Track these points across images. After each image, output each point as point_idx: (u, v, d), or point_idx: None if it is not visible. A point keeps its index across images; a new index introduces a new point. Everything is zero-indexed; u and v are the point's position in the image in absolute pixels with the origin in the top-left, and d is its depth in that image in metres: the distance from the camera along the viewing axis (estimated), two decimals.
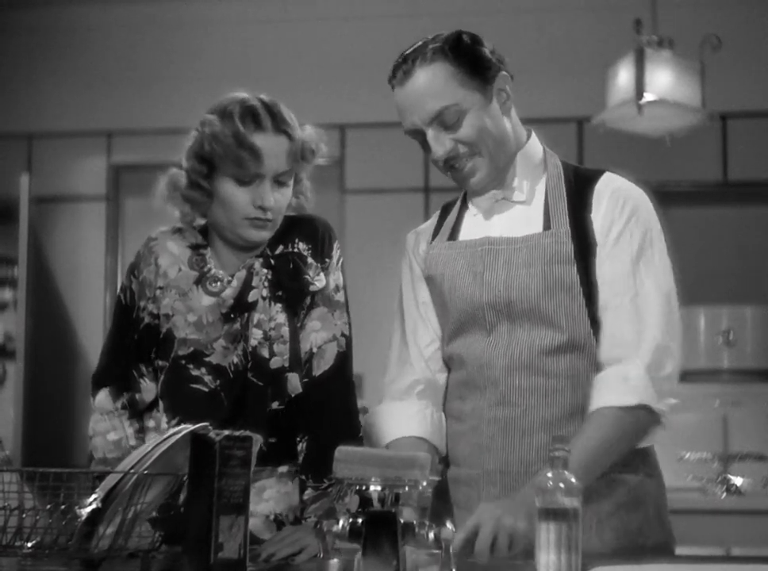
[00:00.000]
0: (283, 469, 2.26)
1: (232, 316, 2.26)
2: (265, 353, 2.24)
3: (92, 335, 5.41)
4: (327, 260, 2.32)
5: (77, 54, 5.62)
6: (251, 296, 2.26)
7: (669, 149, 4.57)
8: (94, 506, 1.74)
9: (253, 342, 2.24)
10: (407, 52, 2.17)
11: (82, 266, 5.59)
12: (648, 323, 2.09)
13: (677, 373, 2.10)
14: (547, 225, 2.16)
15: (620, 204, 2.16)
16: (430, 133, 2.15)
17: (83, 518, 1.74)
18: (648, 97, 4.24)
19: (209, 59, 5.50)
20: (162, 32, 5.59)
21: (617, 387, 2.04)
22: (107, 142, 5.64)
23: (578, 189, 2.19)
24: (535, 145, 2.26)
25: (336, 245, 2.34)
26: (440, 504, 2.21)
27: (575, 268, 2.12)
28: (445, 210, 2.35)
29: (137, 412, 2.31)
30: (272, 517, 2.24)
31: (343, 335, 2.31)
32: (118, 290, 2.42)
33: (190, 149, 2.27)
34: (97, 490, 1.77)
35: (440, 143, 2.15)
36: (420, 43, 2.17)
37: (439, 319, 2.28)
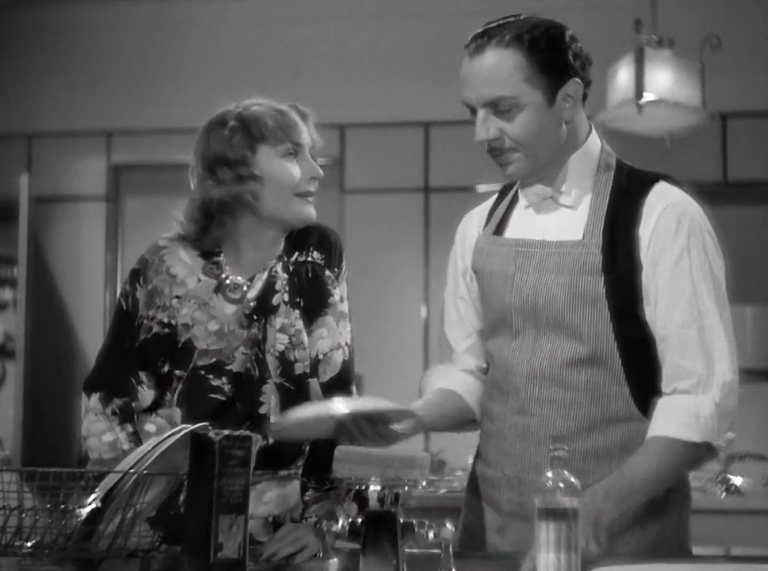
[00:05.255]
0: (284, 472, 2.27)
1: (254, 317, 2.26)
2: (291, 357, 2.25)
3: (92, 335, 5.41)
4: (336, 270, 2.34)
5: (77, 54, 5.63)
6: (275, 300, 2.27)
7: (669, 149, 4.57)
8: (93, 506, 1.74)
9: (280, 346, 2.25)
10: (491, 25, 2.10)
11: (82, 266, 5.59)
12: (717, 358, 2.08)
13: (736, 407, 2.12)
14: (584, 234, 2.12)
15: (673, 225, 2.10)
16: (480, 114, 2.09)
17: (83, 518, 1.74)
18: (648, 97, 4.24)
19: (209, 59, 5.51)
20: (162, 33, 5.59)
21: (688, 421, 2.03)
22: (107, 142, 5.64)
23: (629, 196, 2.13)
24: (593, 144, 2.19)
25: (344, 256, 2.37)
26: (474, 500, 2.22)
27: (602, 280, 2.07)
28: (502, 194, 2.30)
29: (129, 418, 2.30)
30: (270, 519, 2.24)
31: (346, 344, 2.32)
32: (118, 295, 2.40)
33: (224, 143, 2.25)
34: (96, 490, 1.77)
35: (485, 128, 2.09)
36: (509, 19, 2.11)
37: (481, 315, 2.27)
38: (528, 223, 2.19)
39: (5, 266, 5.56)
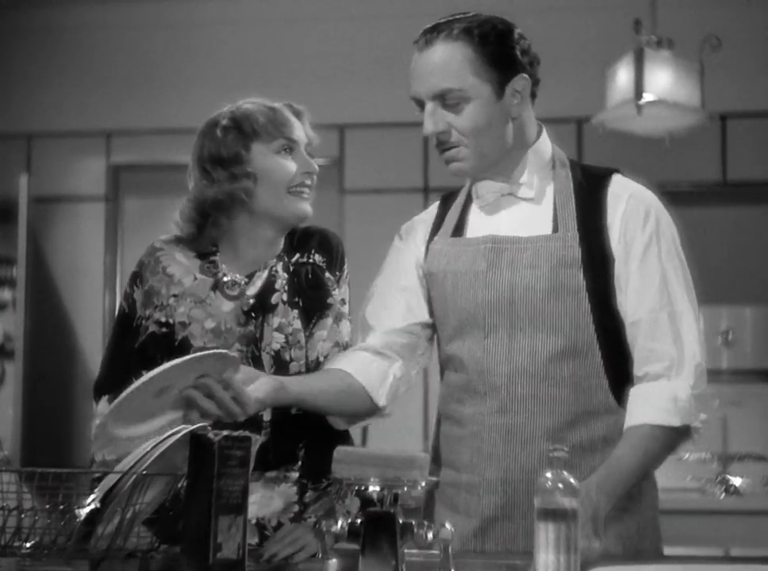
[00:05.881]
0: (270, 474, 2.26)
1: (253, 314, 2.27)
2: (287, 357, 2.25)
3: (91, 335, 5.41)
4: (338, 273, 2.35)
5: (77, 54, 5.62)
6: (274, 299, 2.28)
7: (668, 149, 4.57)
8: (92, 506, 1.74)
9: (276, 345, 2.26)
10: (441, 21, 2.14)
11: (82, 266, 5.58)
12: (687, 341, 2.10)
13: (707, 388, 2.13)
14: (555, 227, 2.13)
15: (641, 214, 2.13)
16: (428, 108, 2.12)
17: (82, 518, 1.74)
18: (648, 97, 4.23)
19: (209, 59, 5.50)
20: (162, 33, 5.59)
21: (667, 406, 2.06)
22: (106, 142, 5.64)
23: (590, 190, 2.16)
24: (545, 143, 2.22)
25: (345, 260, 2.38)
26: (435, 505, 2.21)
27: (582, 272, 2.10)
28: (445, 202, 2.31)
29: None
30: (254, 521, 2.23)
31: (346, 345, 2.33)
32: (120, 297, 2.40)
33: (218, 143, 2.27)
34: (96, 490, 1.77)
35: (433, 121, 2.12)
36: (458, 15, 2.14)
37: (439, 319, 2.25)
38: (490, 222, 2.20)
39: (5, 266, 5.55)
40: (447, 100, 2.10)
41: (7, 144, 5.62)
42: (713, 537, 4.15)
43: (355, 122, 5.41)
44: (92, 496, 1.75)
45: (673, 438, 2.08)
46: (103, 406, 2.31)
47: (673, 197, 5.10)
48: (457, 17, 2.14)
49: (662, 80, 4.27)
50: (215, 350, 2.05)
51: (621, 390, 2.11)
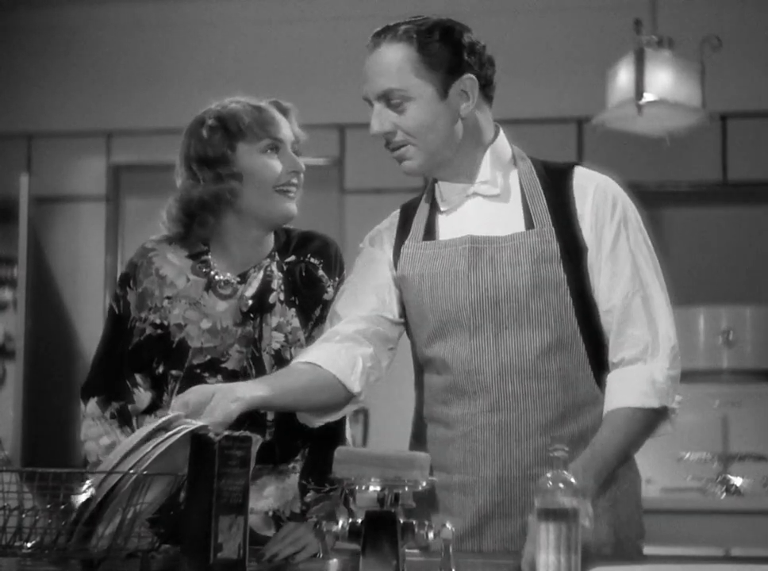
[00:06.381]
0: (283, 466, 2.29)
1: (251, 316, 2.27)
2: (287, 356, 2.26)
3: (92, 335, 5.38)
4: (336, 279, 2.35)
5: (77, 54, 5.62)
6: (271, 299, 2.29)
7: (669, 149, 4.57)
8: (88, 495, 1.74)
9: (275, 345, 2.27)
10: (390, 24, 2.19)
11: (82, 266, 5.58)
12: (661, 324, 2.13)
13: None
14: (529, 224, 2.15)
15: (609, 203, 2.16)
16: (375, 108, 2.16)
17: (77, 507, 1.73)
18: (648, 97, 4.24)
19: (209, 59, 5.50)
20: (162, 32, 5.59)
21: (646, 389, 2.08)
22: (107, 142, 5.64)
23: (555, 184, 2.18)
24: (502, 143, 2.23)
25: (344, 267, 2.37)
26: (427, 508, 2.21)
27: (562, 267, 2.12)
28: (406, 210, 2.31)
29: (128, 420, 2.30)
30: (270, 513, 2.26)
31: None
32: (110, 300, 2.41)
33: (204, 143, 2.26)
34: (89, 479, 1.77)
35: (380, 121, 2.16)
36: (410, 18, 2.18)
37: (414, 322, 2.23)
38: (460, 223, 2.20)
39: (5, 266, 5.55)
40: (391, 100, 2.13)
41: (7, 144, 5.62)
42: (713, 537, 4.16)
43: (355, 122, 5.40)
44: (86, 484, 1.75)
45: (653, 419, 2.10)
46: (91, 407, 2.31)
47: (673, 197, 5.13)
48: (407, 19, 2.18)
49: (663, 80, 4.28)
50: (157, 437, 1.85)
51: (604, 380, 2.14)
